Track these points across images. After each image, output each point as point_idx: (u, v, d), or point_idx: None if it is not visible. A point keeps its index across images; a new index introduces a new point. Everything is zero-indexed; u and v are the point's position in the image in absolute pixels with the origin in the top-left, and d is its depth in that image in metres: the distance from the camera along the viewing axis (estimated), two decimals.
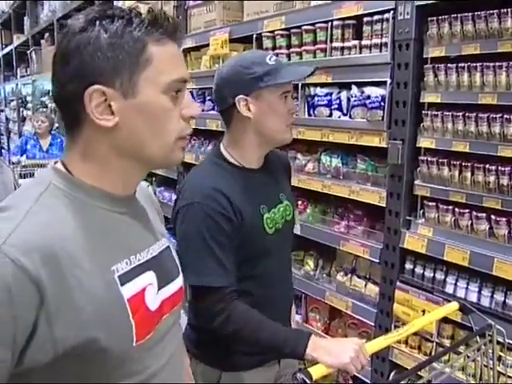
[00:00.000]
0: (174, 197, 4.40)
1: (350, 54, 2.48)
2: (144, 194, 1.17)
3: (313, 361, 1.39)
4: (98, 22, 0.90)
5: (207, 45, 3.57)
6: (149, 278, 0.99)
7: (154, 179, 4.91)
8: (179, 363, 1.15)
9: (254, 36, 3.09)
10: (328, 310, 2.92)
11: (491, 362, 1.58)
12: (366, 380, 2.55)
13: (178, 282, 1.11)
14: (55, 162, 0.99)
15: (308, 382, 1.17)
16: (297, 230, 2.88)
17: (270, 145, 1.72)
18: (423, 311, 2.21)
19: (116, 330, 0.90)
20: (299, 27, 2.75)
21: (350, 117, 2.53)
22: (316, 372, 1.22)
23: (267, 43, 2.99)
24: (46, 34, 8.01)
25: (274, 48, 2.96)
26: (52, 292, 0.82)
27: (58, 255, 0.84)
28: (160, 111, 0.94)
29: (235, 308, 1.52)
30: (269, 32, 2.96)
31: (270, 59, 1.60)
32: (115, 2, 5.22)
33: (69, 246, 0.86)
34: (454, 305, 1.67)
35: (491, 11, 1.90)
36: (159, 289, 1.02)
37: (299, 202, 2.99)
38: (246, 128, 1.63)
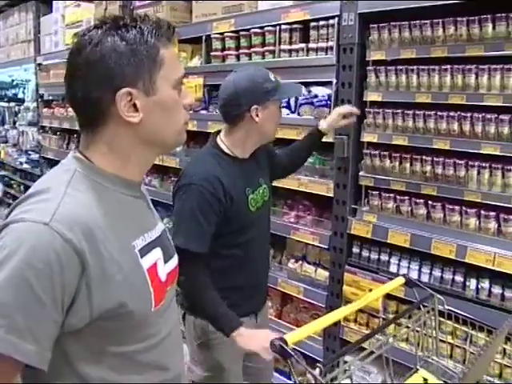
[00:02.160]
0: None
1: (297, 56, 2.67)
2: None
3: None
4: (114, 32, 1.04)
5: None
6: (158, 253, 1.16)
7: None
8: (179, 331, 1.31)
9: (204, 37, 3.23)
10: (280, 296, 3.10)
11: (432, 331, 1.80)
12: (319, 358, 2.75)
13: (175, 259, 1.27)
14: (74, 153, 1.11)
15: (285, 347, 1.33)
16: None
17: (265, 142, 2.11)
18: (370, 290, 2.43)
19: (140, 296, 1.06)
20: (248, 30, 2.92)
21: (299, 114, 2.72)
22: (291, 338, 1.39)
23: (217, 44, 3.14)
24: None
25: (223, 49, 3.11)
26: (91, 262, 0.96)
27: (93, 230, 0.98)
28: (173, 104, 1.11)
29: (203, 276, 1.90)
30: (218, 34, 3.11)
31: (271, 76, 1.97)
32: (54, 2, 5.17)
33: (100, 224, 1.00)
34: (400, 279, 1.88)
35: (425, 21, 2.15)
36: (165, 263, 1.18)
37: None
38: (251, 129, 1.98)
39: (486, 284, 2.12)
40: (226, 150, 2.02)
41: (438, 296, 1.78)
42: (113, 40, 1.03)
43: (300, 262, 2.91)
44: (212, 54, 3.19)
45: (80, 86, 1.04)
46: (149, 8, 3.78)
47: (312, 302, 2.81)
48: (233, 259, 2.01)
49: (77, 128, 1.15)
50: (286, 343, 1.38)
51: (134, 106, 1.06)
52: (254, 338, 1.76)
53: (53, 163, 4.99)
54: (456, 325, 1.92)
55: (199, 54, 3.37)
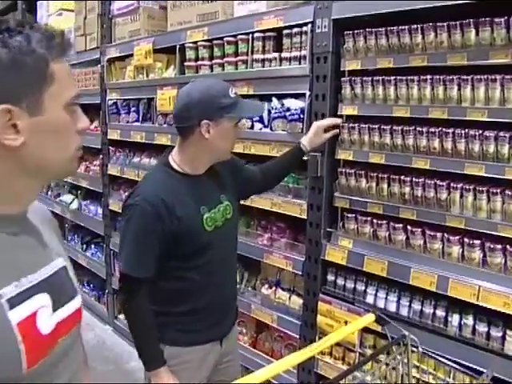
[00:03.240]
0: (99, 210, 4.27)
1: (270, 65, 2.48)
2: (41, 213, 1.11)
3: None
4: None
5: (132, 54, 3.49)
6: (41, 300, 0.93)
7: (79, 192, 4.74)
8: (79, 375, 1.08)
9: (178, 47, 3.05)
10: (255, 323, 2.89)
11: (404, 369, 1.60)
12: None
13: (76, 303, 1.04)
14: None
15: None
16: None
17: (216, 160, 1.93)
18: (345, 322, 2.21)
19: (2, 358, 0.84)
20: (221, 38, 2.74)
21: (271, 129, 2.53)
22: None
23: (190, 54, 2.96)
24: None
25: (196, 59, 2.93)
26: None
27: None
28: (63, 127, 0.95)
29: (141, 302, 1.82)
30: (192, 43, 2.93)
31: (231, 91, 1.81)
32: (39, 4, 5.08)
33: None
34: (371, 316, 1.67)
35: (402, 27, 1.94)
36: (54, 311, 0.96)
37: None
38: (202, 146, 1.82)
39: (469, 320, 1.90)
40: (176, 167, 1.87)
41: (412, 336, 1.58)
42: None
43: (274, 287, 2.70)
44: (186, 64, 3.01)
45: None
46: (126, 17, 3.63)
47: (286, 331, 2.60)
48: (191, 282, 1.86)
49: None
50: None
51: (15, 126, 0.86)
52: None
53: None
54: (431, 370, 1.71)
55: (174, 64, 3.19)
